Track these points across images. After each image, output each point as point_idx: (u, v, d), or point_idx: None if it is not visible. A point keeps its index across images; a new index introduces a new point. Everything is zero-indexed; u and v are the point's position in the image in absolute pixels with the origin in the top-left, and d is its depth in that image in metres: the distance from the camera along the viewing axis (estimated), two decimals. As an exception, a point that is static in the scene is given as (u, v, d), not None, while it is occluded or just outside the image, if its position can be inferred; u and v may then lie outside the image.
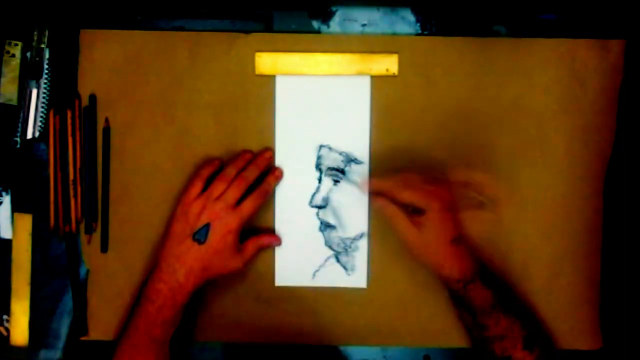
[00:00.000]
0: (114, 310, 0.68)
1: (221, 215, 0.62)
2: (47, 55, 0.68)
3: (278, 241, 0.68)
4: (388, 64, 0.68)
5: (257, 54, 0.68)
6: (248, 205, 0.64)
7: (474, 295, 0.61)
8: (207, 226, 0.62)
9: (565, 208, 0.68)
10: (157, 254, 0.64)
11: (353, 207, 0.69)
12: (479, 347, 0.64)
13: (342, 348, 0.70)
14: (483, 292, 0.61)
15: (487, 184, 0.65)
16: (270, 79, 0.68)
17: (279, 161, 0.68)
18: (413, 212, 0.61)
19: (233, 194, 0.63)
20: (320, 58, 0.68)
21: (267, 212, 0.69)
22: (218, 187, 0.64)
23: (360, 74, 0.68)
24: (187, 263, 0.62)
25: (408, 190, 0.61)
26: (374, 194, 0.64)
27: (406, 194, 0.61)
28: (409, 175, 0.63)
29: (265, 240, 0.67)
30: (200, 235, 0.62)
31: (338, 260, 0.69)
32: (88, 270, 0.69)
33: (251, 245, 0.66)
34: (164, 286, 0.62)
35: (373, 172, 0.68)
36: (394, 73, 0.68)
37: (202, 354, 0.70)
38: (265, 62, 0.68)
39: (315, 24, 0.69)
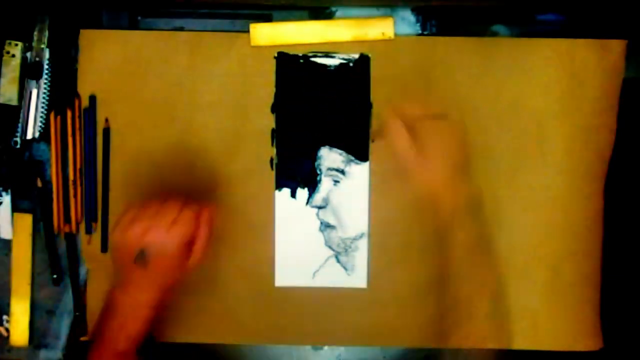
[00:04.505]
0: (113, 310, 0.68)
1: (155, 238, 0.57)
2: (47, 55, 0.68)
3: (212, 213, 0.60)
4: (383, 27, 0.67)
5: (252, 25, 0.67)
6: (181, 222, 0.57)
7: (459, 228, 0.59)
8: (143, 250, 0.57)
9: (565, 208, 0.68)
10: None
11: (353, 207, 0.69)
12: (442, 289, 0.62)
13: (341, 348, 0.70)
14: (467, 225, 0.59)
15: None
16: (270, 79, 0.68)
17: (279, 161, 0.69)
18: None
19: (164, 216, 0.57)
20: (316, 26, 0.67)
21: (267, 212, 0.69)
22: (148, 211, 0.58)
23: (356, 39, 0.67)
24: (139, 285, 0.59)
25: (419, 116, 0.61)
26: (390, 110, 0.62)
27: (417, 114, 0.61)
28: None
29: (202, 232, 0.59)
30: (140, 259, 0.57)
31: (338, 261, 0.69)
32: (88, 270, 0.69)
33: (198, 245, 0.59)
34: (127, 300, 0.59)
35: (373, 172, 0.68)
36: (389, 37, 0.67)
37: (203, 355, 0.70)
38: (261, 32, 0.67)
39: (315, 24, 0.69)
